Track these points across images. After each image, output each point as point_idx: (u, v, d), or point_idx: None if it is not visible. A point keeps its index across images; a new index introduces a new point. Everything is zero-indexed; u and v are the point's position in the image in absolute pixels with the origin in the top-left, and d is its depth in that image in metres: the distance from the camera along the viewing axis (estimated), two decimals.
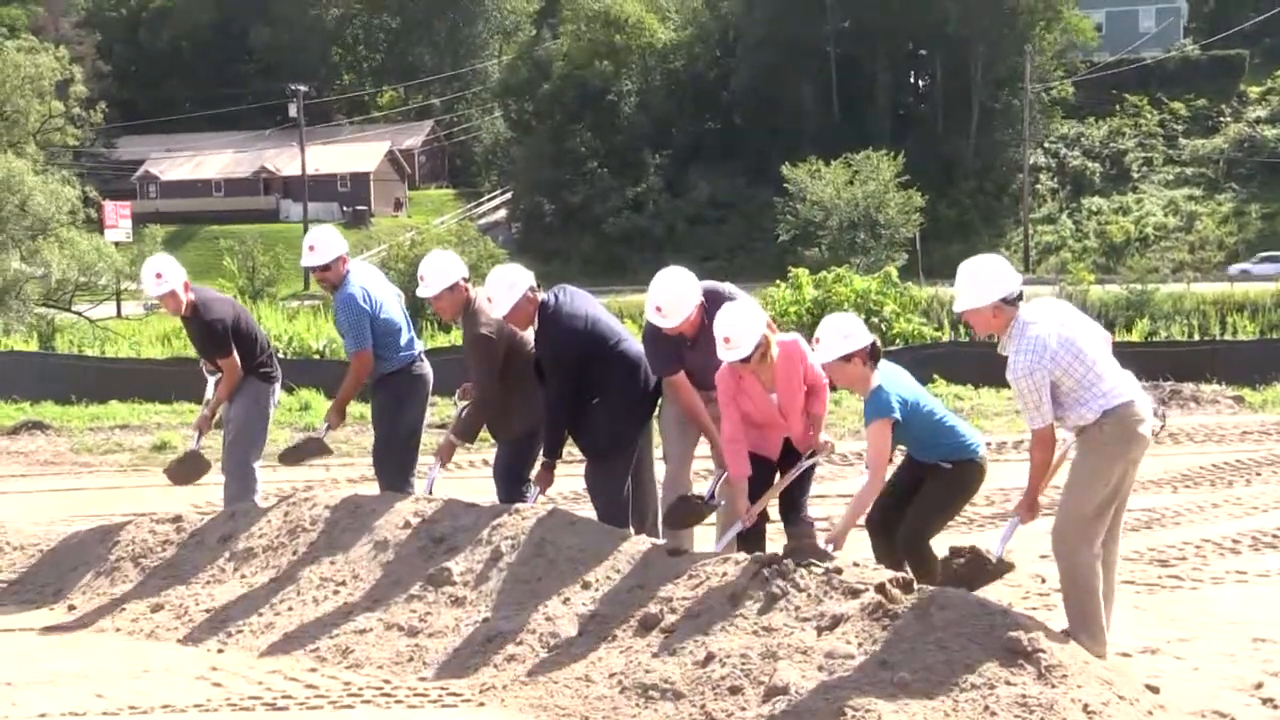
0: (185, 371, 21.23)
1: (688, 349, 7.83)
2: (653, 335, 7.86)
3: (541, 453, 8.35)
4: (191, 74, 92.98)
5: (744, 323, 7.26)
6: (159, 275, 9.57)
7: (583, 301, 8.26)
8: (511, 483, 8.67)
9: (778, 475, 7.71)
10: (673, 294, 7.65)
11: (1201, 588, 8.68)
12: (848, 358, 7.05)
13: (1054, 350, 6.39)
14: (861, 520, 7.42)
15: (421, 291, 8.58)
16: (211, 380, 9.89)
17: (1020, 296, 6.55)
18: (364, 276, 9.32)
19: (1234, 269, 53.78)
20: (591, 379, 8.06)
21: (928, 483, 7.30)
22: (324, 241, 9.25)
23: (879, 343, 7.27)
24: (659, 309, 7.65)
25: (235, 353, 9.61)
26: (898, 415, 7.04)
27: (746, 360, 7.26)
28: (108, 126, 76.18)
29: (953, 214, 66.98)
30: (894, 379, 7.23)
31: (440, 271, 8.53)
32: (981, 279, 6.58)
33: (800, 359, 7.51)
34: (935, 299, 35.20)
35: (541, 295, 8.18)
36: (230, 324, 9.65)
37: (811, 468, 7.82)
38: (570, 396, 8.05)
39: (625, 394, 8.13)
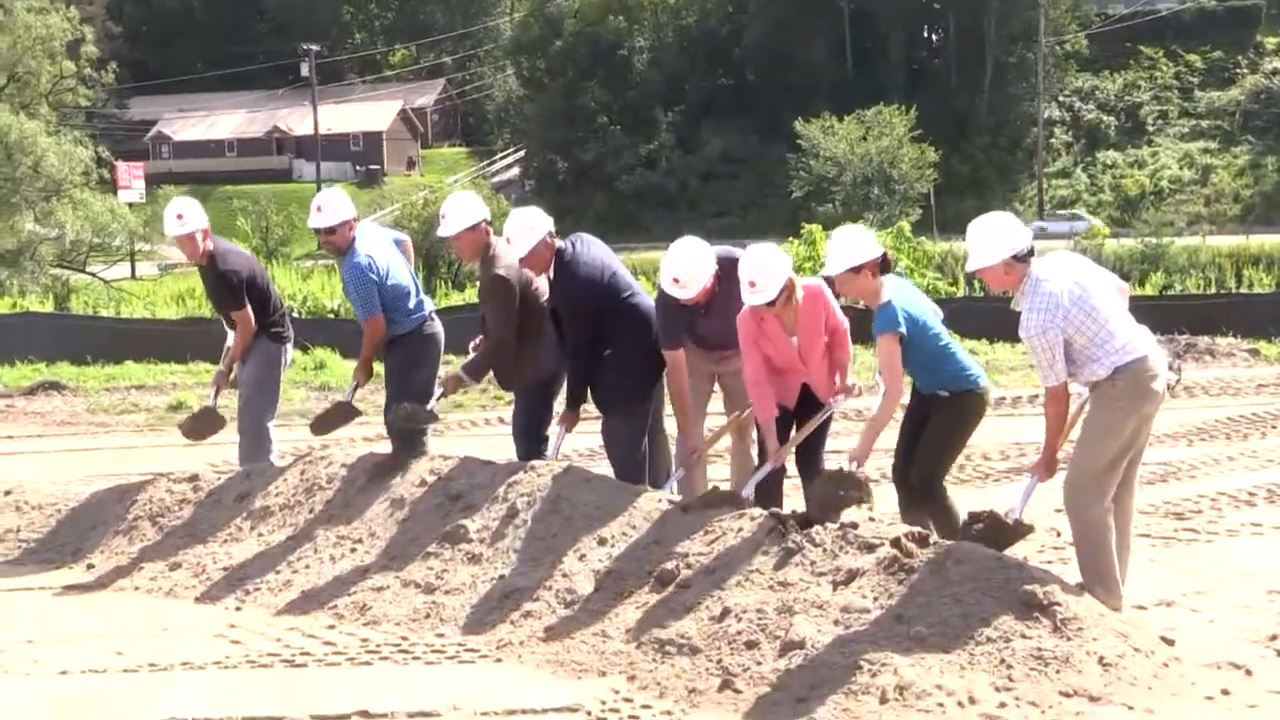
0: (200, 331, 21.28)
1: (701, 316, 7.83)
2: (665, 304, 7.85)
3: (565, 399, 8.36)
4: (203, 34, 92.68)
5: (769, 266, 7.25)
6: (180, 216, 9.56)
7: (599, 250, 8.27)
8: (530, 440, 8.67)
9: (794, 424, 7.71)
10: (689, 265, 7.64)
11: (1217, 540, 8.68)
12: (856, 269, 7.05)
13: (1066, 308, 6.37)
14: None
15: (442, 230, 8.57)
16: (231, 334, 9.89)
17: (1031, 252, 6.55)
18: (370, 242, 9.23)
19: (1034, 225, 52.55)
20: (604, 331, 8.07)
21: (931, 419, 7.31)
22: (331, 204, 9.21)
23: (890, 255, 7.26)
24: (676, 280, 7.65)
25: (249, 306, 9.63)
26: (903, 330, 7.02)
27: (772, 304, 7.26)
28: (119, 87, 75.83)
29: (966, 169, 66.81)
30: (904, 295, 7.22)
31: (462, 211, 8.50)
32: (991, 237, 6.57)
33: (824, 303, 7.52)
34: (949, 254, 34.98)
35: (558, 243, 8.18)
36: (245, 277, 9.66)
37: (828, 420, 7.83)
38: (586, 347, 8.07)
39: (639, 347, 8.11)
